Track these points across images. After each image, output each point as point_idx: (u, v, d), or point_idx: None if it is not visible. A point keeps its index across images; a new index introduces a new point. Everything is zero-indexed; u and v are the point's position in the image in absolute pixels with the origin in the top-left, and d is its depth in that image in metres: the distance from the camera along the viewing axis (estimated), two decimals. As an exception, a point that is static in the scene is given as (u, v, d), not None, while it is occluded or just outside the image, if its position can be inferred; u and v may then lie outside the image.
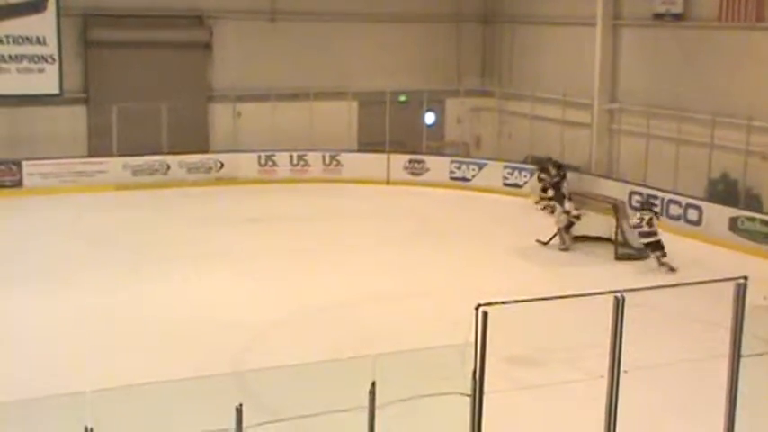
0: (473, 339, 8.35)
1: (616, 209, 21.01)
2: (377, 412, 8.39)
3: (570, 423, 11.39)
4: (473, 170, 28.01)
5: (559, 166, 24.79)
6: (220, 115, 29.28)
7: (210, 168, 27.87)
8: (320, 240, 21.22)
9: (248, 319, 15.69)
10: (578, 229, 21.26)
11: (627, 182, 24.91)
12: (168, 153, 27.39)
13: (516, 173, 27.32)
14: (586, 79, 27.32)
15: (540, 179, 25.00)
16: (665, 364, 13.12)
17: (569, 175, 25.18)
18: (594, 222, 21.23)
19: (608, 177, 25.80)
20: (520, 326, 12.34)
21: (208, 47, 29.11)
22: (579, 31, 28.01)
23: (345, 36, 30.16)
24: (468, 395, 8.64)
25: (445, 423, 9.16)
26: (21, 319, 15.71)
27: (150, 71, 27.80)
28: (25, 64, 27.04)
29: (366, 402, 8.35)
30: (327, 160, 28.61)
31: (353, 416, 8.54)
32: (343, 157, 28.48)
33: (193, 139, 28.25)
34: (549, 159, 25.57)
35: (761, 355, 10.00)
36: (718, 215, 21.98)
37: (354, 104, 30.35)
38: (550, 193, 23.95)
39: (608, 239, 20.86)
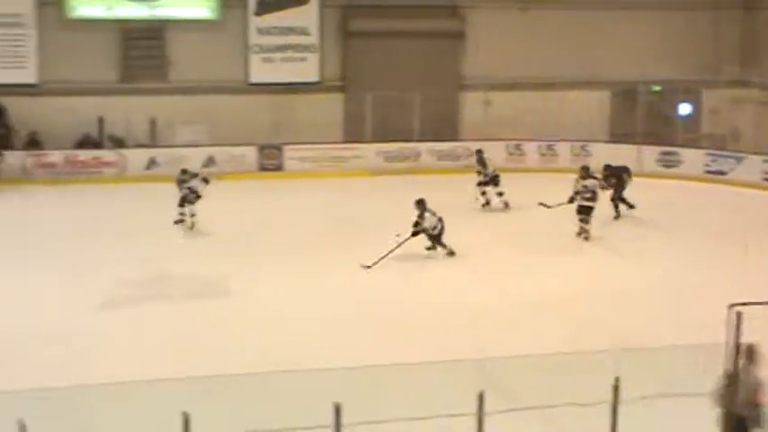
0: (723, 340, 8.13)
1: None
2: (619, 408, 8.35)
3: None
4: (730, 164, 26.82)
5: None
6: (470, 104, 29.63)
7: (459, 156, 28.24)
8: (554, 231, 20.84)
9: (480, 307, 15.62)
10: None
11: None
12: (419, 140, 28.08)
13: (779, 168, 25.90)
14: None
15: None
16: None
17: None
18: None
19: None
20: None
21: (461, 36, 29.51)
22: None
23: (597, 25, 29.69)
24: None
25: (691, 426, 8.95)
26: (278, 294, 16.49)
27: (405, 60, 28.44)
28: (289, 53, 28.49)
29: (609, 397, 8.33)
30: (576, 150, 28.31)
31: (594, 410, 8.53)
32: (592, 147, 28.03)
33: (444, 127, 28.76)
34: None
35: None
36: None
37: (606, 94, 29.85)
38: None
39: None
